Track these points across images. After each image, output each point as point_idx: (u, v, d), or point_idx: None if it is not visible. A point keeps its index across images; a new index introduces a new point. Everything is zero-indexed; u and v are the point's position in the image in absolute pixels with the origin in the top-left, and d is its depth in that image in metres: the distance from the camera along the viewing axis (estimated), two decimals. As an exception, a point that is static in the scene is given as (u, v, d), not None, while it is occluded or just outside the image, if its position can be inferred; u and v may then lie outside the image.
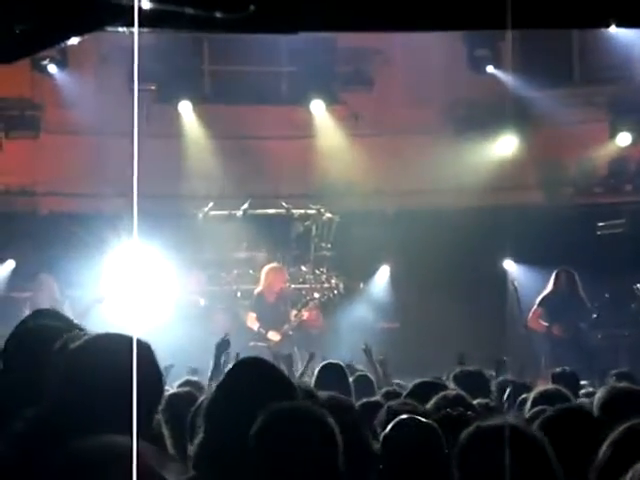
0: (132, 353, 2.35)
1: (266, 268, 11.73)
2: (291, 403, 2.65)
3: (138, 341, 2.41)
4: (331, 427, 2.55)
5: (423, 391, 4.74)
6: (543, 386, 5.34)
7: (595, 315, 11.57)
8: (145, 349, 2.44)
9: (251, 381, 2.93)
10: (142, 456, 1.70)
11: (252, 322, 11.52)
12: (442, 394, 4.38)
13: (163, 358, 2.54)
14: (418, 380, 5.21)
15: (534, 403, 4.64)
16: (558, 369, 6.89)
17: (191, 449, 2.89)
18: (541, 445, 2.39)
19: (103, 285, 11.93)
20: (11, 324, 3.20)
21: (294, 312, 11.56)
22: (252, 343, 11.21)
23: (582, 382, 7.25)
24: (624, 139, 13.39)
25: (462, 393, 4.49)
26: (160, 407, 2.51)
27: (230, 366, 3.19)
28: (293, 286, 12.37)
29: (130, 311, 12.14)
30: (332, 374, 5.55)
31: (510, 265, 13.05)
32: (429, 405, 4.21)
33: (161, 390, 2.45)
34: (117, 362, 2.33)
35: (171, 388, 5.21)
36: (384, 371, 7.44)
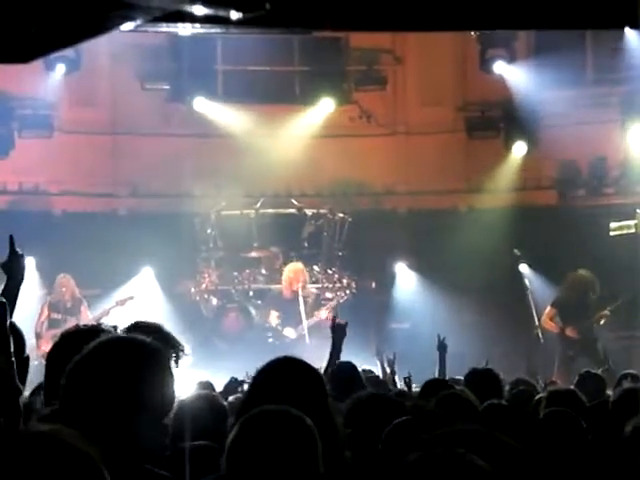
0: (143, 358, 2.35)
1: (287, 267, 11.94)
2: (267, 407, 2.60)
3: (149, 345, 2.39)
4: (310, 430, 2.49)
5: (432, 390, 4.74)
6: (556, 387, 5.34)
7: (607, 316, 11.53)
8: (157, 354, 2.41)
9: (284, 381, 2.91)
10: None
11: (273, 319, 11.69)
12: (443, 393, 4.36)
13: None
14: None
15: (548, 404, 4.64)
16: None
17: None
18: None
19: (120, 286, 12.03)
20: (28, 322, 3.21)
21: (312, 312, 11.66)
22: (270, 340, 11.40)
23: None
24: (636, 139, 13.34)
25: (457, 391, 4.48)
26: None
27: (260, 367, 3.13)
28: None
29: (143, 311, 12.20)
30: (344, 373, 5.56)
31: (523, 266, 13.02)
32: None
33: (172, 398, 2.41)
34: (127, 367, 2.33)
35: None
36: (391, 370, 7.43)
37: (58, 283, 11.67)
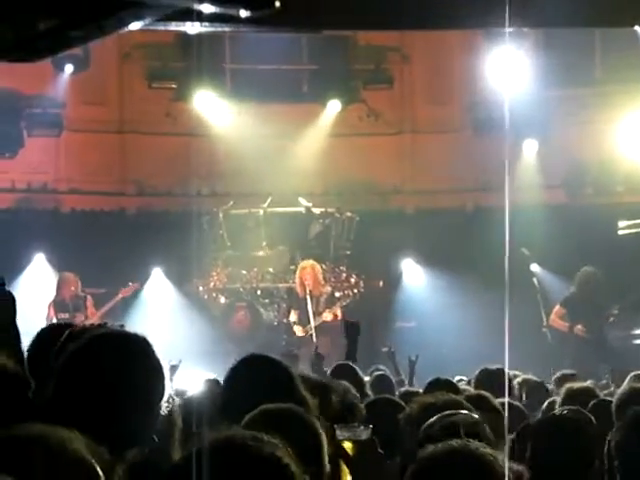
0: (130, 350, 2.36)
1: (299, 265, 12.03)
2: (267, 407, 2.57)
3: (134, 336, 2.41)
4: (281, 462, 2.40)
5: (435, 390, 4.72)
6: (571, 384, 5.32)
7: (616, 316, 11.51)
8: (141, 345, 2.42)
9: (249, 381, 2.92)
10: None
11: (292, 317, 11.83)
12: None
13: (178, 356, 2.52)
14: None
15: (564, 402, 4.65)
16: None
17: None
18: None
19: (127, 284, 12.05)
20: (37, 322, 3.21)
21: (324, 310, 11.71)
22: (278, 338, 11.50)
23: (603, 382, 7.24)
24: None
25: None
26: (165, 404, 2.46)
27: (231, 366, 3.16)
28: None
29: (151, 309, 12.23)
30: (344, 373, 5.55)
31: (534, 266, 12.99)
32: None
33: (162, 387, 2.42)
34: (115, 360, 2.34)
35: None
36: (411, 370, 7.39)
37: (62, 281, 11.66)
